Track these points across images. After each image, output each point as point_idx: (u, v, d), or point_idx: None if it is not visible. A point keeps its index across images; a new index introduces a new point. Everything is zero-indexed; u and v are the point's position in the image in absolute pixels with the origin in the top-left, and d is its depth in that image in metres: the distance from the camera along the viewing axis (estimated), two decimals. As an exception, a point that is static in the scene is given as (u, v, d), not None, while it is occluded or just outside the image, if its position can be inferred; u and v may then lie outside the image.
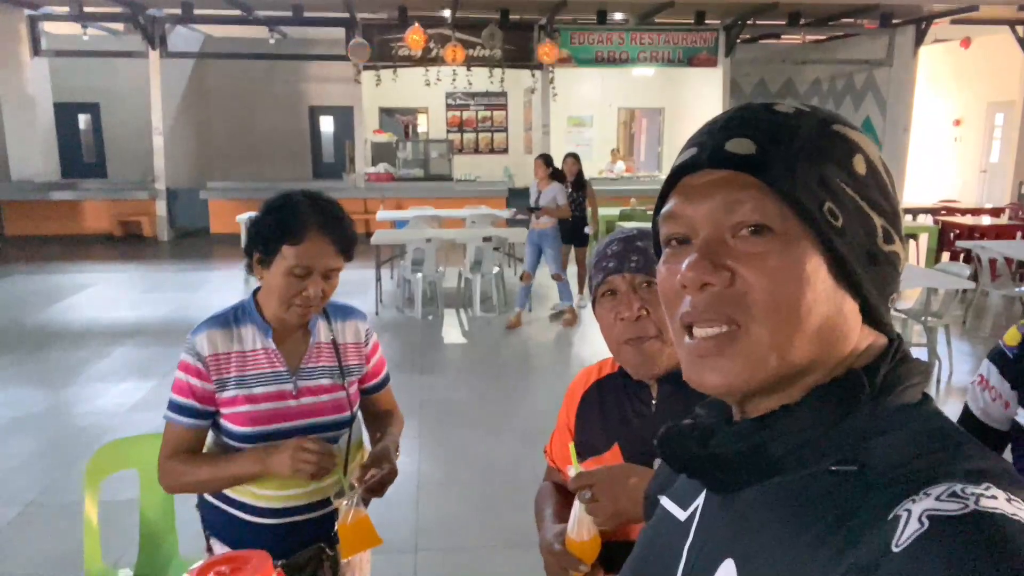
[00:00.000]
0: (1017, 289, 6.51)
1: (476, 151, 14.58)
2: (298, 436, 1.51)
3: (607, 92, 14.08)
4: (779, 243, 0.55)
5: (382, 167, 12.58)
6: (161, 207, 11.86)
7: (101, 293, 8.23)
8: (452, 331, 6.69)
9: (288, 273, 1.49)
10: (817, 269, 0.55)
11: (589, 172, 13.13)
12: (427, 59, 11.67)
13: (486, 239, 7.03)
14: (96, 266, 9.89)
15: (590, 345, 6.22)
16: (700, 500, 0.65)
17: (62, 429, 4.47)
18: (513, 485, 3.70)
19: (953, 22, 12.08)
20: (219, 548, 1.66)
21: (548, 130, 12.06)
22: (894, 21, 12.30)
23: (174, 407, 1.56)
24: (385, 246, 7.40)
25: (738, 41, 12.26)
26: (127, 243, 11.73)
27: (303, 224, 1.49)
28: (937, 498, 0.46)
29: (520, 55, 11.85)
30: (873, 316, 0.59)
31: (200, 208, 11.76)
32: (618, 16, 12.33)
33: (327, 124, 15.11)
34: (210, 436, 1.65)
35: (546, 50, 11.16)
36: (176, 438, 1.57)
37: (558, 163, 7.08)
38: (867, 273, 0.57)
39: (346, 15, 11.31)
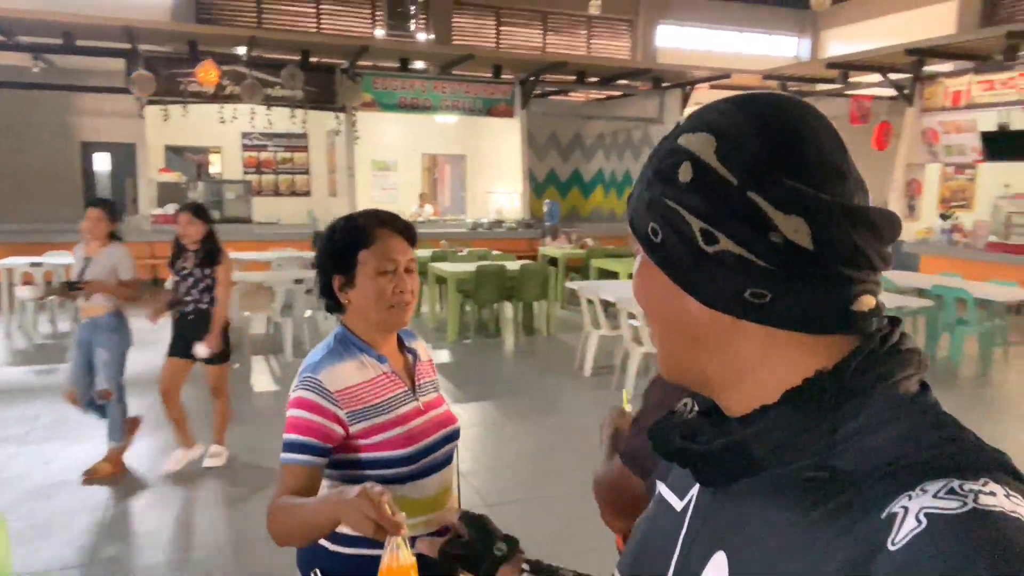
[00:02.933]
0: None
1: (276, 193, 14.02)
2: (417, 465, 1.53)
3: (411, 137, 14.29)
4: (640, 264, 0.63)
5: (171, 208, 11.64)
6: None
7: None
8: (262, 378, 6.32)
9: (377, 274, 1.55)
10: (656, 279, 0.61)
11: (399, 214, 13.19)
12: (221, 96, 11.12)
13: (297, 281, 6.77)
14: None
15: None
16: (695, 490, 0.65)
17: None
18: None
19: (711, 87, 13.86)
20: None
21: (353, 172, 11.95)
22: (664, 84, 13.86)
23: (293, 447, 1.47)
24: (182, 291, 6.83)
25: (532, 95, 13.09)
26: None
27: (368, 226, 1.58)
28: (935, 495, 0.46)
29: (323, 97, 11.69)
30: (791, 320, 0.56)
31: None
32: (420, 65, 12.66)
33: (103, 162, 13.73)
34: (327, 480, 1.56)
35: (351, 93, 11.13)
36: (293, 479, 1.45)
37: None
38: (697, 276, 0.57)
39: (127, 46, 10.49)
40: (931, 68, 11.51)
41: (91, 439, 4.72)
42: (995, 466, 0.48)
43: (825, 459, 0.53)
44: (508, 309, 8.79)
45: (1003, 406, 6.12)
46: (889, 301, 6.69)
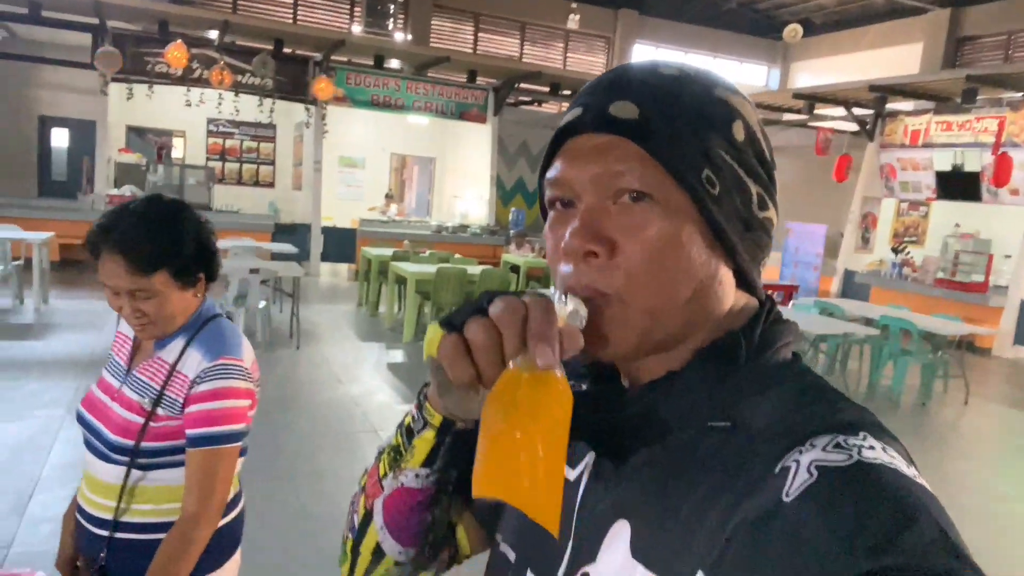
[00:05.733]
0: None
1: (239, 182, 13.79)
2: (90, 451, 1.46)
3: (381, 136, 14.19)
4: (659, 211, 0.55)
5: (128, 190, 11.36)
6: None
7: None
8: (211, 369, 6.17)
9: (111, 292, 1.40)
10: (693, 237, 0.56)
11: (360, 213, 13.16)
12: (189, 79, 10.91)
13: (253, 271, 6.65)
14: None
15: (359, 384, 6.11)
16: (589, 459, 0.64)
17: None
18: (279, 527, 3.48)
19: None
20: None
21: (320, 167, 11.82)
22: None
23: None
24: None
25: (505, 103, 13.11)
26: None
27: (96, 238, 1.36)
28: (823, 449, 0.48)
29: (294, 88, 11.55)
30: (746, 280, 0.61)
31: None
32: (395, 63, 12.59)
33: (60, 138, 13.36)
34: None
35: (321, 86, 11.04)
36: None
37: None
38: (742, 239, 0.58)
39: (95, 20, 10.23)
40: (893, 106, 11.87)
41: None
42: (868, 422, 0.52)
43: (732, 411, 0.55)
44: (467, 314, 8.76)
45: (939, 435, 6.29)
46: (839, 328, 6.85)
